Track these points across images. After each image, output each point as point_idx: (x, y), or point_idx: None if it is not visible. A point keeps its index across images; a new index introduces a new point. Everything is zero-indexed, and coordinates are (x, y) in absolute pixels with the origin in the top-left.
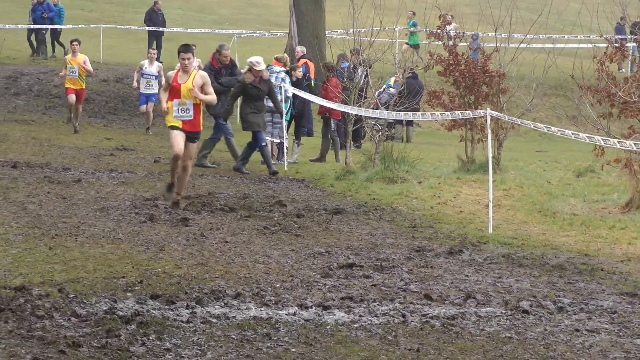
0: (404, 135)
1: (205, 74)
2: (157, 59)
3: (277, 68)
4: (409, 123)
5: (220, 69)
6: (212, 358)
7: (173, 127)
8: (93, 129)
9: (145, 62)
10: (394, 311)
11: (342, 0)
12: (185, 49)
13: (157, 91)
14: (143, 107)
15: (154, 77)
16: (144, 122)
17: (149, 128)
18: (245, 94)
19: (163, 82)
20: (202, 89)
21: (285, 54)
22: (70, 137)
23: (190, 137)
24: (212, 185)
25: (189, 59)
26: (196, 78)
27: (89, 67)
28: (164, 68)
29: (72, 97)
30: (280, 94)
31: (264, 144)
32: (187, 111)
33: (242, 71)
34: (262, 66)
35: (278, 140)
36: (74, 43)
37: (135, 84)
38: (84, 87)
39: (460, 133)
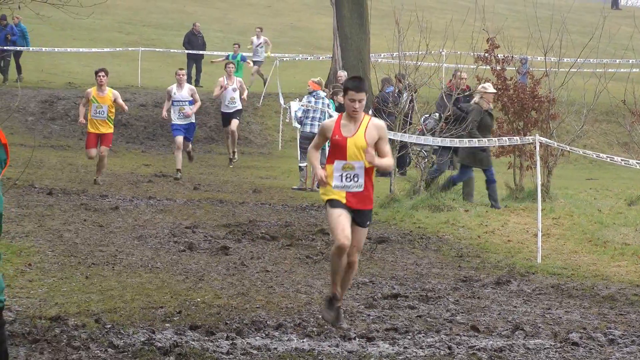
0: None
1: (382, 123)
2: (197, 83)
3: (322, 93)
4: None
5: (458, 95)
6: None
7: (333, 203)
8: (131, 155)
9: (174, 87)
10: (439, 343)
11: (387, 23)
12: (358, 86)
13: (194, 120)
14: (179, 139)
15: (187, 103)
16: (176, 157)
17: (192, 157)
18: (480, 123)
19: (316, 139)
20: (377, 146)
21: (320, 78)
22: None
23: (359, 218)
24: (253, 214)
25: (360, 101)
26: (369, 129)
27: (123, 104)
28: (202, 93)
29: (92, 152)
30: (325, 119)
31: (494, 181)
32: (356, 179)
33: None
34: (493, 90)
35: None
36: (100, 74)
37: (164, 113)
38: (112, 129)
39: (508, 160)
